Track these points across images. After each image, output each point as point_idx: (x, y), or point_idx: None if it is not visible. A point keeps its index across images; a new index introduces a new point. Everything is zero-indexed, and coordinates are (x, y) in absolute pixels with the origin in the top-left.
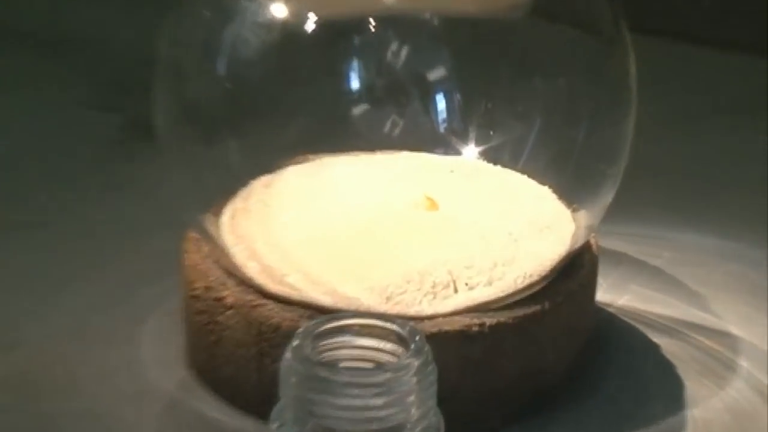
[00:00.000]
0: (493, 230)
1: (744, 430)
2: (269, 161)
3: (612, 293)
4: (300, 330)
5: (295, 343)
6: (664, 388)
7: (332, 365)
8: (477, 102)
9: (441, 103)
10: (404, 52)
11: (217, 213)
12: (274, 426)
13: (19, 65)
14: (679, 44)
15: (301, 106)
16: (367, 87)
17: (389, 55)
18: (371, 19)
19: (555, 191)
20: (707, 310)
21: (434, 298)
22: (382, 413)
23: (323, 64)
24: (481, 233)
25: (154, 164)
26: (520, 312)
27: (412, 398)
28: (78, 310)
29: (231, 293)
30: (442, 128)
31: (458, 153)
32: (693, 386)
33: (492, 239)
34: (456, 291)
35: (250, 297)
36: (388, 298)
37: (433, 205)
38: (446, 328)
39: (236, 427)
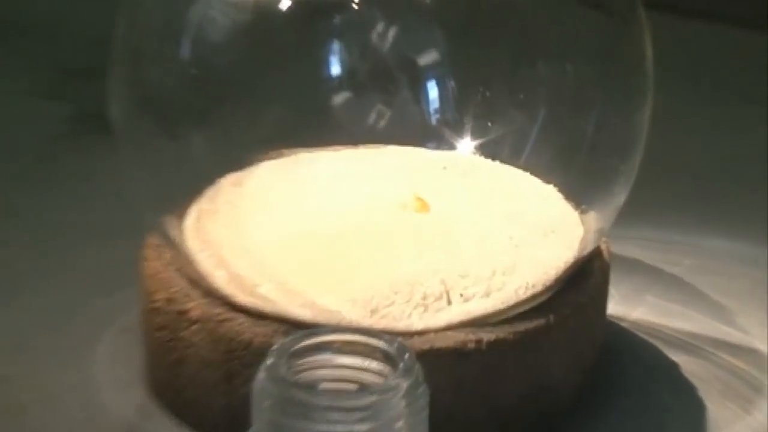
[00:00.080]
0: (491, 234)
1: None
2: (239, 156)
3: (625, 305)
4: (274, 347)
5: (269, 361)
6: (684, 412)
7: (311, 387)
8: (473, 90)
9: (433, 90)
10: (391, 33)
11: (181, 215)
12: None
13: None
14: (692, 22)
15: (276, 94)
16: (349, 73)
17: (374, 36)
18: None
19: (561, 190)
20: (731, 324)
21: (425, 310)
22: None
23: (300, 47)
24: (477, 238)
25: (109, 160)
26: (521, 326)
27: (400, 424)
28: (22, 326)
29: (196, 306)
30: (434, 119)
31: (452, 147)
32: (715, 409)
33: (490, 244)
34: (450, 303)
35: (218, 310)
36: (373, 311)
37: (423, 206)
38: (439, 344)
39: None
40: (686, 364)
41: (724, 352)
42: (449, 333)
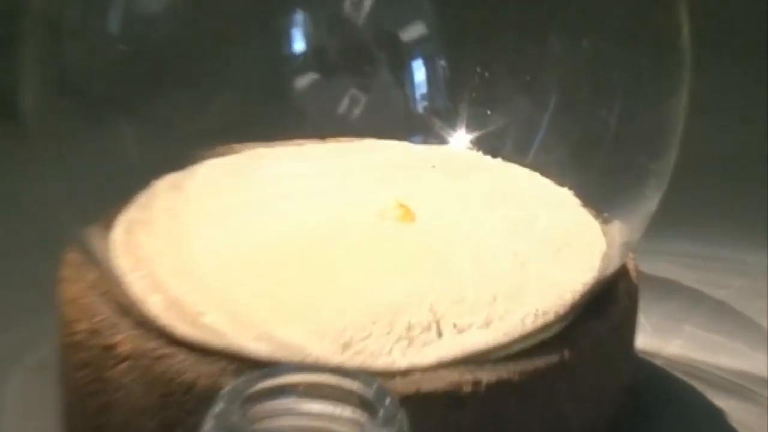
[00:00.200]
0: (491, 249)
1: None
2: (179, 153)
3: (658, 338)
4: (224, 390)
5: (218, 408)
6: None
7: None
8: (469, 71)
9: (419, 72)
10: (368, 1)
11: (107, 226)
12: None
13: None
14: None
15: (225, 76)
16: (315, 50)
17: (347, 5)
18: None
19: (578, 194)
20: None
21: (410, 344)
22: None
23: (256, 18)
24: (474, 254)
25: (18, 157)
26: (529, 364)
27: None
28: None
29: (125, 338)
30: (420, 107)
31: (443, 141)
32: None
33: (490, 262)
34: (440, 335)
35: (153, 344)
36: (345, 345)
37: (407, 214)
38: (427, 387)
39: None
40: (734, 410)
41: None
42: (440, 372)
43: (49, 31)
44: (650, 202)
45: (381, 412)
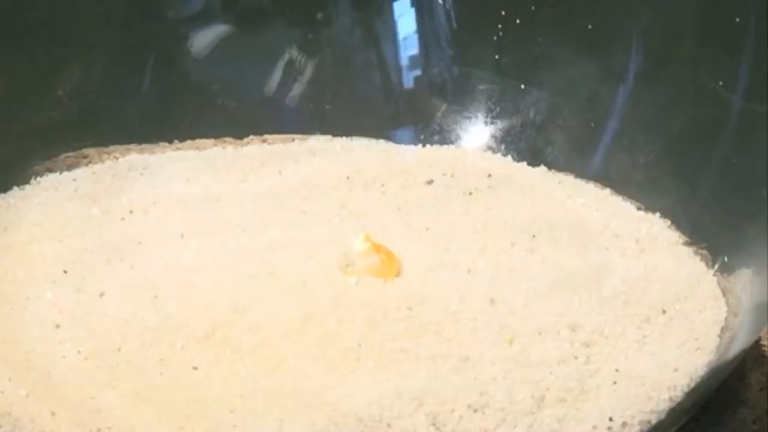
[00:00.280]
0: (529, 322)
1: None
2: (2, 165)
3: None
4: None
5: None
6: None
7: None
8: (490, 16)
9: (407, 17)
10: None
11: None
12: None
13: None
14: None
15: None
16: None
17: None
18: None
19: (677, 225)
20: None
21: None
22: None
23: None
24: (500, 329)
25: None
26: None
27: None
28: None
29: None
30: (409, 77)
31: (446, 140)
32: None
33: (528, 343)
34: None
35: None
36: None
37: (387, 265)
38: None
39: None
40: None
41: None
42: None
43: None
44: None
45: None
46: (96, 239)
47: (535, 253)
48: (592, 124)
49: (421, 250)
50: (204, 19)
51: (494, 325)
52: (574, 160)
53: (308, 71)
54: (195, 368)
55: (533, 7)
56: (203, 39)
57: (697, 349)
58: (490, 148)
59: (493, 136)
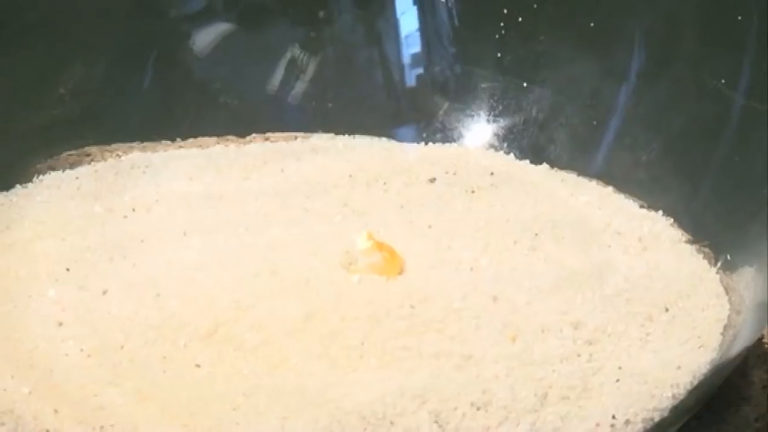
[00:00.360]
0: (532, 320)
1: None
2: (5, 163)
3: None
4: None
5: None
6: None
7: None
8: (493, 14)
9: (409, 14)
10: None
11: None
12: None
13: None
14: None
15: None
16: None
17: None
18: None
19: (679, 222)
20: None
21: None
22: None
23: None
24: (502, 327)
25: None
26: None
27: None
28: None
29: None
30: (411, 75)
31: (448, 138)
32: None
33: (531, 341)
34: None
35: None
36: None
37: (390, 263)
38: None
39: None
40: None
41: None
42: None
43: None
44: None
45: None
46: (98, 237)
47: (537, 251)
48: (595, 123)
49: (423, 248)
50: (206, 17)
51: (497, 323)
52: (577, 159)
53: (310, 69)
54: (198, 366)
55: (535, 6)
56: (205, 37)
57: (699, 347)
58: (492, 146)
59: (496, 135)
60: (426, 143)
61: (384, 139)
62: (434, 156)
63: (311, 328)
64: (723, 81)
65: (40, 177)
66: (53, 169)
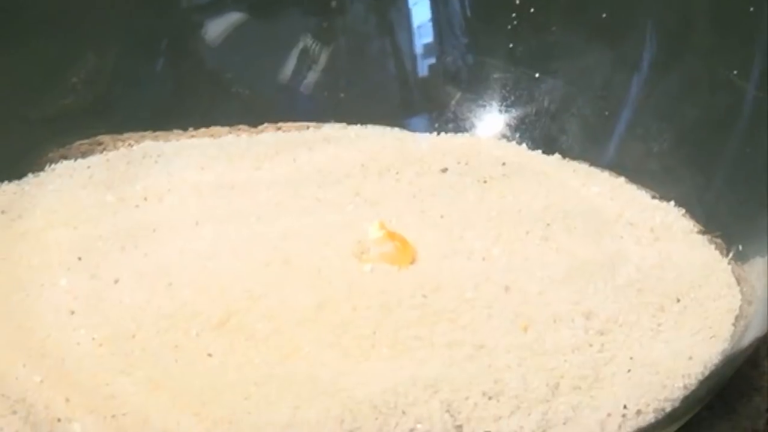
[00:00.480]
0: (544, 310)
1: None
2: (17, 152)
3: None
4: None
5: None
6: None
7: None
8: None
9: (421, 8)
10: None
11: None
12: None
13: None
14: None
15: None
16: None
17: None
18: None
19: (691, 213)
20: None
21: None
22: None
23: None
24: (514, 317)
25: None
26: None
27: None
28: None
29: None
30: (424, 65)
31: (460, 128)
32: None
33: (543, 331)
34: None
35: None
36: None
37: (402, 253)
38: None
39: None
40: None
41: None
42: None
43: None
44: None
45: None
46: (110, 226)
47: (549, 241)
48: (607, 113)
49: (435, 238)
50: (218, 6)
51: (509, 313)
52: (589, 149)
53: (323, 59)
54: (209, 355)
55: None
56: (217, 27)
57: (711, 338)
58: (504, 136)
59: (508, 125)
60: (438, 133)
61: (396, 129)
62: (446, 146)
63: (323, 317)
64: (735, 72)
65: (52, 166)
66: (65, 158)
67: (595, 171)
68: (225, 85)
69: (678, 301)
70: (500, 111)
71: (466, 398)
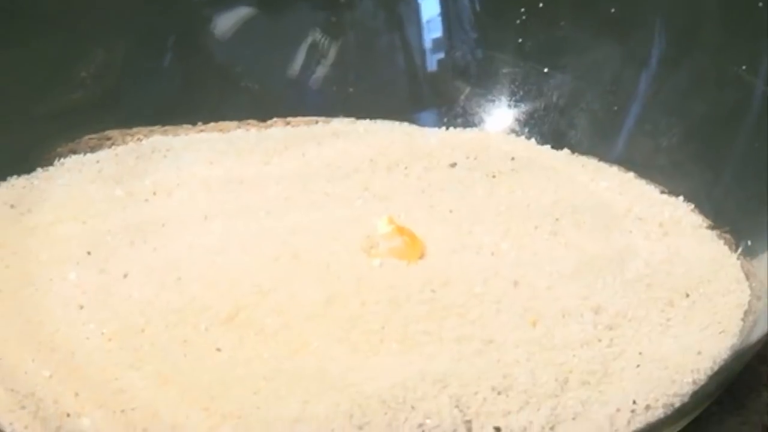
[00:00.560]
0: (553, 304)
1: None
2: (24, 149)
3: None
4: None
5: None
6: None
7: None
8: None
9: (430, 2)
10: None
11: None
12: None
13: None
14: None
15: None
16: None
17: None
18: None
19: (700, 208)
20: None
21: None
22: None
23: None
24: (523, 311)
25: None
26: None
27: None
28: None
29: None
30: (433, 60)
31: (469, 122)
32: None
33: (551, 325)
34: None
35: None
36: None
37: (411, 247)
38: None
39: None
40: None
41: None
42: None
43: None
44: None
45: None
46: (119, 221)
47: (558, 236)
48: (616, 108)
49: (444, 233)
50: (227, 1)
51: (518, 308)
52: (598, 144)
53: (332, 54)
54: (218, 350)
55: None
56: (227, 21)
57: (720, 333)
58: (513, 131)
59: (517, 120)
60: (447, 128)
61: (405, 124)
62: (455, 141)
63: (332, 312)
64: (744, 67)
65: (61, 160)
66: (74, 152)
67: (604, 166)
68: (234, 79)
69: (687, 296)
70: (509, 106)
71: (475, 393)
